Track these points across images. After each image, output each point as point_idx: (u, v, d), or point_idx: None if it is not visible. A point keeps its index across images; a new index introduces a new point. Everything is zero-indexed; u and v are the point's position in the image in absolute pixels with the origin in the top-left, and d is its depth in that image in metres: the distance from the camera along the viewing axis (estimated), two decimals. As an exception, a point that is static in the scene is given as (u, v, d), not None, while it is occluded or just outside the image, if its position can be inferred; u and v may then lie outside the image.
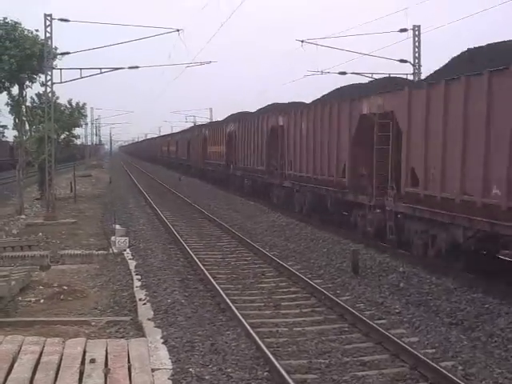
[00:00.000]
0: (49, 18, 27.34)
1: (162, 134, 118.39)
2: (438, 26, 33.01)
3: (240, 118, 40.25)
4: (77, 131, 50.60)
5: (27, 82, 29.22)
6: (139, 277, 15.25)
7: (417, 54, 31.85)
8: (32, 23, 29.42)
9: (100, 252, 19.01)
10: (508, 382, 8.64)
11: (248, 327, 10.82)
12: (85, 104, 49.30)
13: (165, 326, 11.01)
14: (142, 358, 8.99)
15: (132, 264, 16.96)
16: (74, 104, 47.06)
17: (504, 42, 14.56)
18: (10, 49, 27.16)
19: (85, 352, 9.15)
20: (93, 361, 8.72)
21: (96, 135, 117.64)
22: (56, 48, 28.53)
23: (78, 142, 62.99)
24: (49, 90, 28.58)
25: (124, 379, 8.20)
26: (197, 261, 16.79)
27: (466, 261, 14.54)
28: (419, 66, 31.38)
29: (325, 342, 10.40)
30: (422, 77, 26.53)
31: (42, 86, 29.41)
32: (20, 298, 13.68)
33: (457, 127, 14.23)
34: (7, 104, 30.30)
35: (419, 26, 31.82)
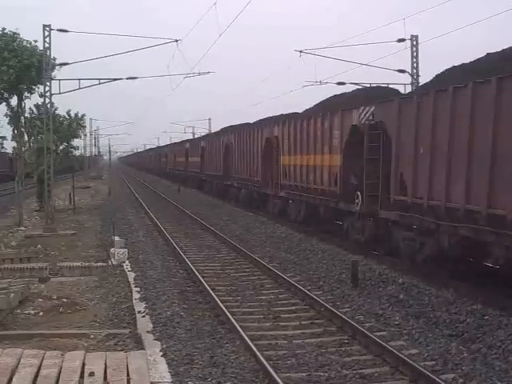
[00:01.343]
0: (47, 28, 27.39)
1: (161, 144, 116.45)
2: (437, 35, 33.22)
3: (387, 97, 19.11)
4: (75, 142, 50.81)
5: (26, 93, 29.26)
6: (138, 289, 15.23)
7: (415, 64, 31.94)
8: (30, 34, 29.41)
9: (99, 264, 18.98)
10: (508, 395, 8.62)
11: (247, 340, 10.79)
12: (83, 115, 49.55)
13: (164, 339, 10.99)
14: (142, 371, 8.96)
15: (131, 276, 16.93)
16: (72, 115, 47.24)
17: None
18: (9, 59, 27.20)
19: (84, 365, 9.12)
20: (92, 374, 8.68)
21: (95, 146, 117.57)
22: (55, 59, 28.64)
23: (77, 153, 63.08)
24: (47, 100, 28.62)
25: (123, 393, 8.17)
26: (196, 272, 16.78)
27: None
28: (417, 75, 31.44)
29: (324, 354, 10.37)
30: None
31: (40, 96, 29.52)
32: (19, 311, 13.65)
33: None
34: (6, 115, 30.36)
35: (417, 36, 31.91)
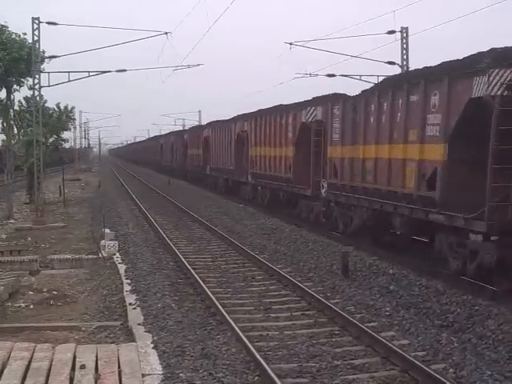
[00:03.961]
0: (36, 21, 27.26)
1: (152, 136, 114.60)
2: (427, 27, 33.31)
3: None
4: (65, 135, 50.71)
5: (15, 86, 29.15)
6: (129, 281, 15.18)
7: (405, 56, 31.98)
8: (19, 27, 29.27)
9: (90, 256, 18.95)
10: (498, 384, 8.65)
11: (238, 331, 10.79)
12: (73, 107, 49.46)
13: (155, 331, 10.97)
14: (133, 364, 8.95)
15: (122, 268, 16.88)
16: (62, 107, 47.13)
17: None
18: (-2, 52, 27.08)
19: (75, 358, 9.11)
20: (83, 367, 8.67)
21: (85, 138, 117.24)
22: (44, 51, 28.53)
23: (67, 145, 62.94)
24: (37, 93, 28.52)
25: (114, 385, 8.16)
26: (186, 264, 16.76)
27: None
28: (407, 67, 31.46)
29: (315, 345, 10.38)
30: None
31: (29, 89, 29.42)
32: (9, 304, 13.61)
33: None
34: (-5, 108, 30.26)
35: (407, 28, 31.96)
